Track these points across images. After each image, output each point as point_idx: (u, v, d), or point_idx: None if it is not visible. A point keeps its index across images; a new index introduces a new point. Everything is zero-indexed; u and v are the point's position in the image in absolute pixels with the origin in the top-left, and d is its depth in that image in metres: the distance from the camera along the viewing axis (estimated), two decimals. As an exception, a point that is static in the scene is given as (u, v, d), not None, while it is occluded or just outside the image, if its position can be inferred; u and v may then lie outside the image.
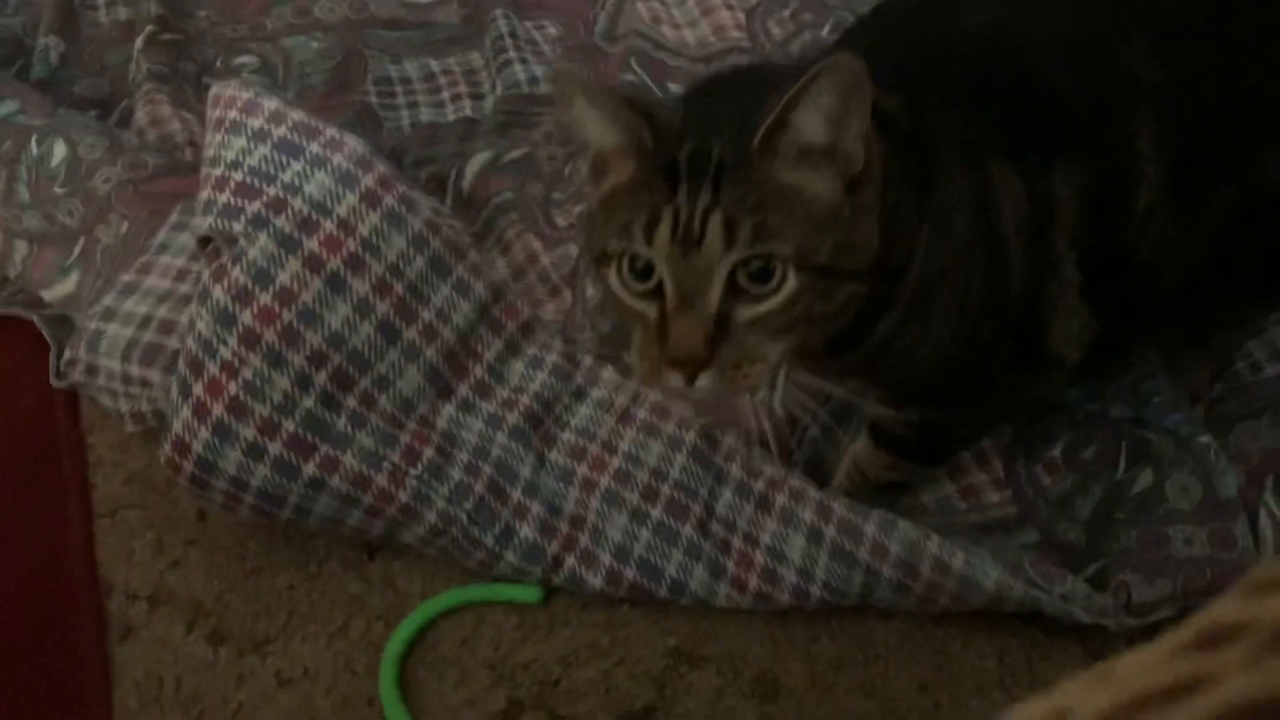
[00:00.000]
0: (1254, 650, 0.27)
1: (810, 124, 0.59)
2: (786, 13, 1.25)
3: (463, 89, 1.21)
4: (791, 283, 0.60)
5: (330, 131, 0.84)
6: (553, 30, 1.26)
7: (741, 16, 1.25)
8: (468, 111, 1.19)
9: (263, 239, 0.79)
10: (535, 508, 0.85)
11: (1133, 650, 0.30)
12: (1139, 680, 0.28)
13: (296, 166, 0.82)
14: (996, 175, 0.69)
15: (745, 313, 0.61)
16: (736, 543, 0.85)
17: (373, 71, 1.21)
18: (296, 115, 0.84)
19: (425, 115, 1.19)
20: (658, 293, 0.62)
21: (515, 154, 1.13)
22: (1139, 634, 0.81)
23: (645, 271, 0.62)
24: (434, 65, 1.23)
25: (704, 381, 0.61)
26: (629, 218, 0.61)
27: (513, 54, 1.21)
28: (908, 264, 0.67)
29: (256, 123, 0.83)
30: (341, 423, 0.82)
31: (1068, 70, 0.70)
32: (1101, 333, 0.75)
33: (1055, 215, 0.69)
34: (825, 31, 1.22)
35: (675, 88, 1.19)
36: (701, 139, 0.61)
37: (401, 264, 0.84)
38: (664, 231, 0.60)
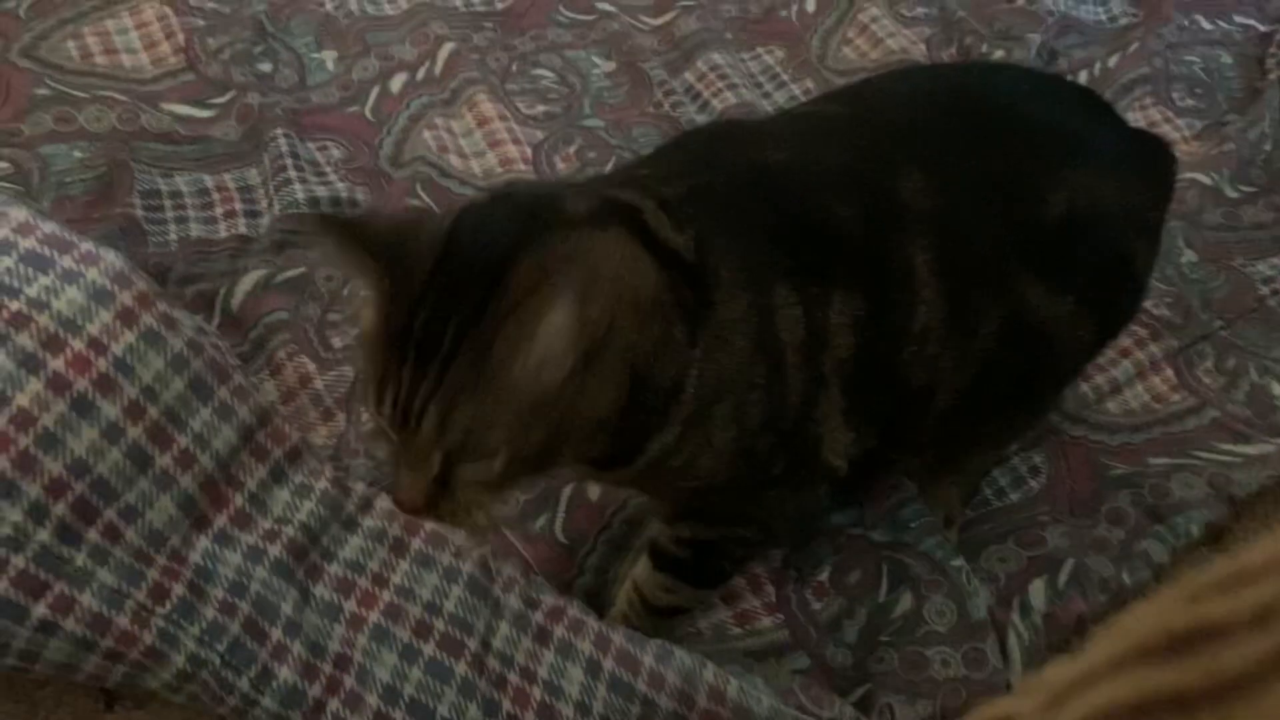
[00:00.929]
0: None
1: (540, 321, 0.59)
2: (571, 149, 1.30)
3: (237, 206, 1.18)
4: (504, 458, 0.62)
5: (86, 245, 0.79)
6: (336, 152, 1.25)
7: (528, 150, 1.28)
8: (242, 229, 1.16)
9: (0, 357, 0.73)
10: (296, 648, 0.80)
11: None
12: None
13: (45, 281, 0.76)
14: (778, 299, 0.71)
15: (467, 473, 0.63)
16: (513, 678, 0.82)
17: (140, 184, 1.15)
18: (48, 227, 0.79)
19: (195, 231, 1.14)
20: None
21: (291, 273, 1.10)
22: (903, 756, 0.84)
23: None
24: (208, 181, 1.19)
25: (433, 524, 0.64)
26: (369, 372, 0.62)
27: (293, 173, 1.18)
28: (681, 385, 0.69)
29: (1, 233, 0.77)
30: (81, 558, 0.75)
31: (852, 203, 0.73)
32: (874, 450, 0.78)
33: (828, 340, 0.72)
34: (608, 168, 1.27)
35: (459, 215, 1.20)
36: (440, 305, 0.60)
37: (158, 386, 0.79)
38: (389, 403, 0.61)
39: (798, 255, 0.72)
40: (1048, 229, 0.78)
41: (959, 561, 0.92)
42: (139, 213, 1.13)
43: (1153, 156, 0.88)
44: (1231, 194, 1.39)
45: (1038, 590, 0.93)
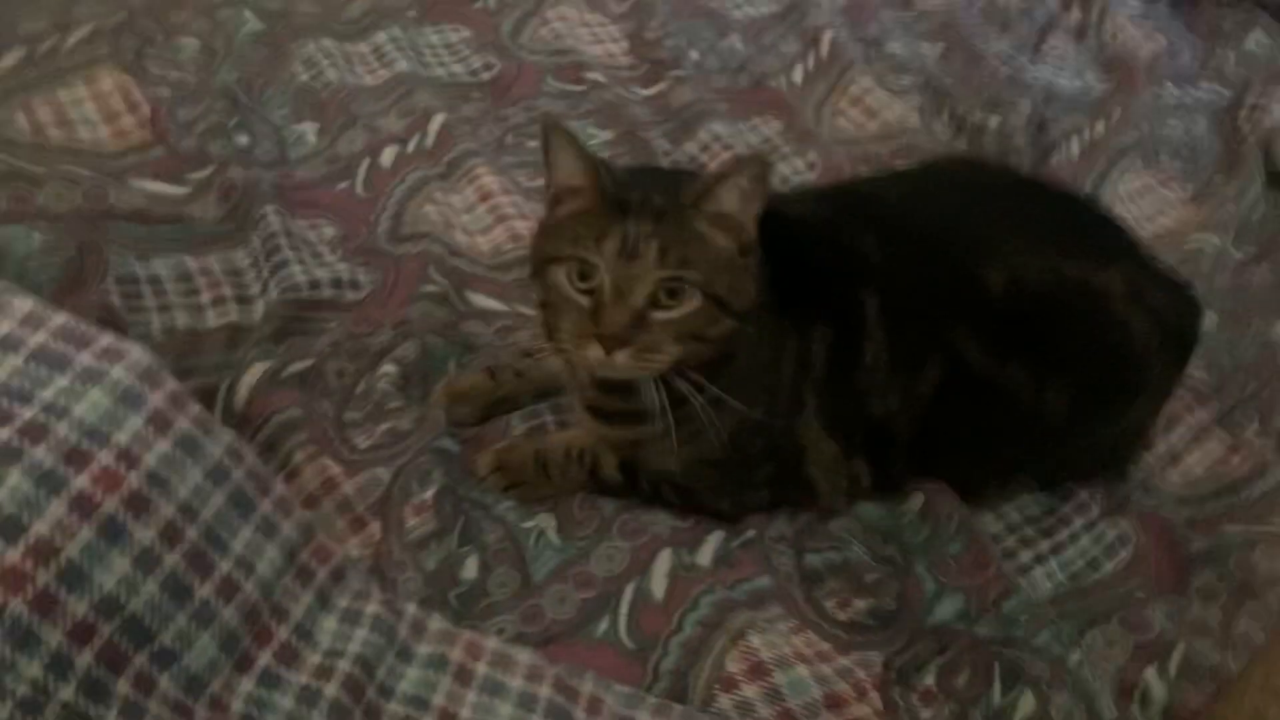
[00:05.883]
0: None
1: (727, 196, 0.79)
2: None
3: (226, 291, 1.05)
4: (695, 301, 0.79)
5: (106, 338, 0.67)
6: (328, 230, 1.14)
7: (535, 225, 1.19)
8: (233, 317, 1.03)
9: (14, 476, 0.60)
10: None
11: None
12: None
13: (62, 382, 0.64)
14: (787, 329, 0.88)
15: (658, 316, 0.79)
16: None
17: (115, 269, 1.02)
18: (59, 318, 0.67)
19: (180, 320, 1.01)
20: (593, 291, 0.79)
21: (298, 366, 0.98)
22: None
23: (585, 274, 0.79)
24: (190, 264, 1.06)
25: (620, 358, 0.78)
26: (583, 233, 0.79)
27: (289, 254, 1.07)
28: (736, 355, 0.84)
29: (4, 327, 0.65)
30: (110, 717, 0.62)
31: (825, 251, 0.89)
32: (876, 474, 0.94)
33: (810, 364, 0.88)
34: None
35: (474, 295, 1.10)
36: (647, 190, 0.80)
37: (195, 503, 0.67)
38: (612, 245, 0.78)
39: (800, 295, 0.88)
40: (990, 295, 0.88)
41: (1078, 655, 0.85)
42: (115, 300, 1.00)
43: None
44: (1237, 255, 1.38)
45: (1153, 679, 0.86)
